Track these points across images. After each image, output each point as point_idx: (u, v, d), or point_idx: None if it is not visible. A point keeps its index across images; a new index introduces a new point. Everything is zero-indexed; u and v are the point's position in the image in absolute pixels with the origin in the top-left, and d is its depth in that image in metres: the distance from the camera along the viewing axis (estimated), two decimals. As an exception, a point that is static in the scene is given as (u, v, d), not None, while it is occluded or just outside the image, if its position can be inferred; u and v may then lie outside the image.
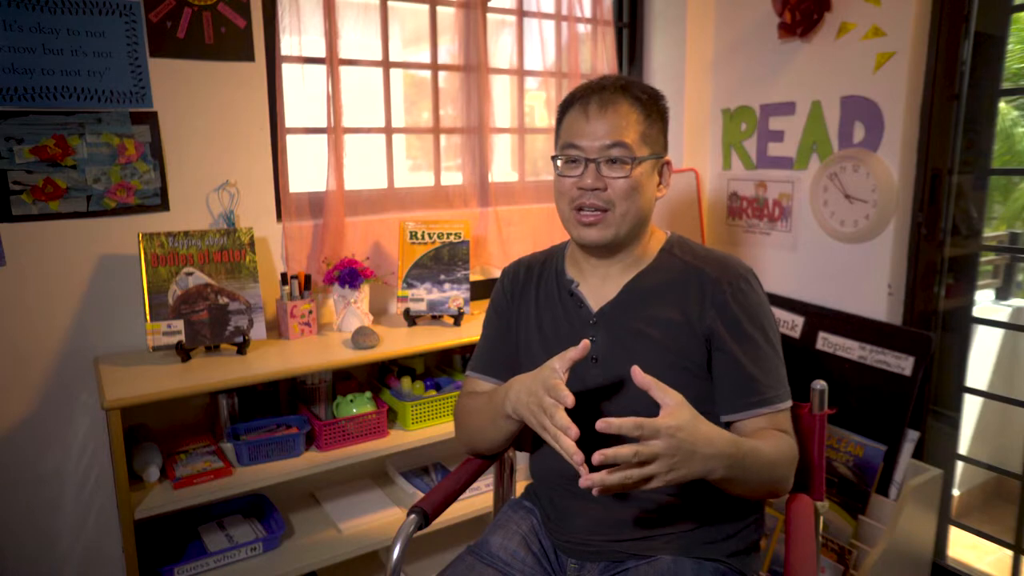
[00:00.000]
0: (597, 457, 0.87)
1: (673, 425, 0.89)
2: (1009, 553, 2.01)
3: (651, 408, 1.10)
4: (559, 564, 1.18)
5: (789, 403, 1.12)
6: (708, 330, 1.09)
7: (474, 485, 1.48)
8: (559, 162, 1.14)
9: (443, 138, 2.26)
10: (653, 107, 1.13)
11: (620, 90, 1.11)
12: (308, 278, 1.92)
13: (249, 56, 1.83)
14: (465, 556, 1.20)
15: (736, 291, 1.09)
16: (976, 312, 2.11)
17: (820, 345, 2.10)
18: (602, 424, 0.87)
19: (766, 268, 2.34)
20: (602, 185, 1.09)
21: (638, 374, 0.92)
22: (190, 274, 1.73)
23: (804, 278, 2.24)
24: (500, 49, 2.32)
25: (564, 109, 1.16)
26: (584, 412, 1.15)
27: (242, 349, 1.74)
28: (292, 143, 1.93)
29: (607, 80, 1.13)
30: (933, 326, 2.03)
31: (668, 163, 1.16)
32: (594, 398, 1.13)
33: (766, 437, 1.06)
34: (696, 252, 1.16)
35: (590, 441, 1.13)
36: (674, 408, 0.91)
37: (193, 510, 1.75)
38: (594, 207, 1.10)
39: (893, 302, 2.02)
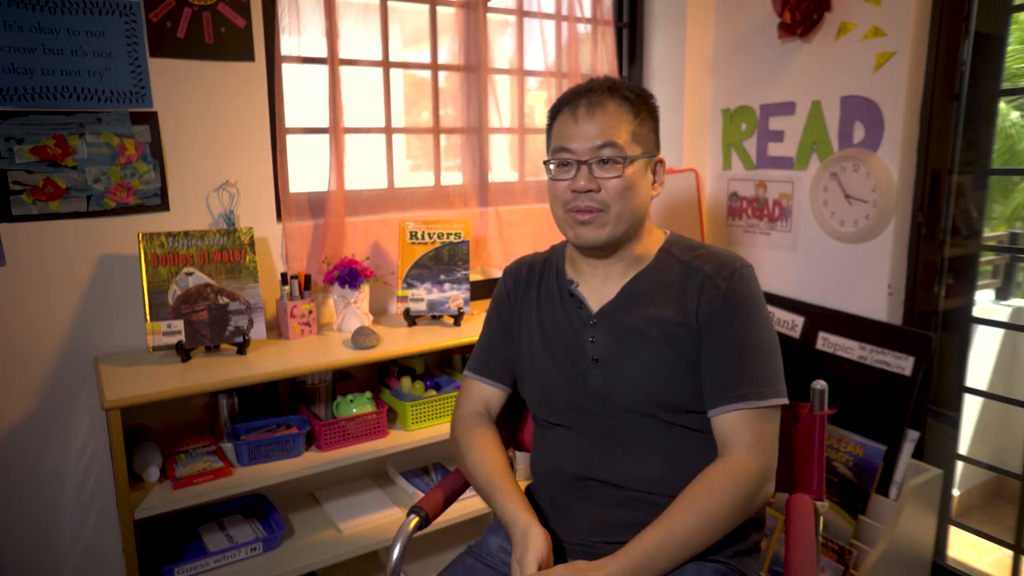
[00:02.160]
0: None
1: None
2: (1009, 553, 2.01)
3: (648, 408, 1.10)
4: (559, 564, 1.18)
5: (775, 401, 1.06)
6: (700, 325, 1.09)
7: (474, 485, 1.48)
8: (551, 166, 1.13)
9: (443, 138, 2.26)
10: (642, 106, 1.13)
11: (608, 91, 1.11)
12: (308, 278, 1.92)
13: (249, 56, 1.83)
14: (465, 556, 1.20)
15: (728, 285, 1.09)
16: (976, 312, 2.11)
17: (820, 345, 2.10)
18: None
19: (766, 268, 2.34)
20: (595, 186, 1.09)
21: None
22: (190, 274, 1.73)
23: (804, 278, 2.24)
24: (500, 49, 2.32)
25: (553, 114, 1.16)
26: (584, 412, 1.15)
27: (242, 349, 1.74)
28: (292, 143, 1.93)
29: (595, 83, 1.13)
30: (933, 326, 2.03)
31: (661, 161, 1.16)
32: (593, 399, 1.13)
33: (689, 496, 1.03)
34: (694, 250, 1.16)
35: (586, 447, 1.14)
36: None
37: (193, 510, 1.75)
38: (589, 209, 1.10)
39: (893, 302, 2.02)
